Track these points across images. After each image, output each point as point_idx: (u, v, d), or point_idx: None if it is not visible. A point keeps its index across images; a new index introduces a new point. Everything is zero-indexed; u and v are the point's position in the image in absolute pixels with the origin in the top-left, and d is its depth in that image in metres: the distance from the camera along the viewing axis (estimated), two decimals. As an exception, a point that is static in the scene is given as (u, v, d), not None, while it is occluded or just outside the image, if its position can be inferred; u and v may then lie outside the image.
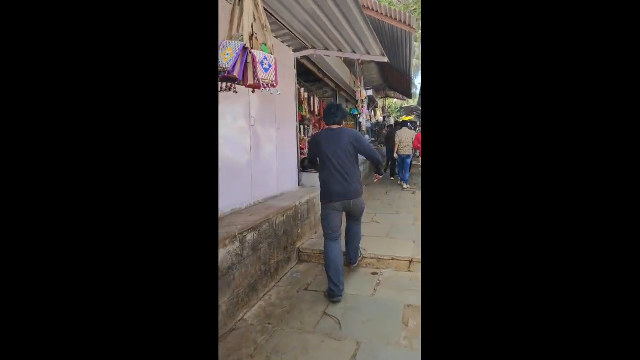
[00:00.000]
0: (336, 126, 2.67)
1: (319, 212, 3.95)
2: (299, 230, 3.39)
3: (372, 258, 3.13)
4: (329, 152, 2.54)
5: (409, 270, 3.02)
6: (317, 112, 6.21)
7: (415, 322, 2.22)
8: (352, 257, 3.02)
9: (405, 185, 6.93)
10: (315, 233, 3.83)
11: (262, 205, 3.15)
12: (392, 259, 3.08)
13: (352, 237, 2.91)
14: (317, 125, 6.59)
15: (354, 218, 2.81)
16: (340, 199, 2.54)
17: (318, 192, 4.05)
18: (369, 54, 4.02)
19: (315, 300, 2.55)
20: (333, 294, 2.47)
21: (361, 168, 6.36)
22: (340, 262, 2.54)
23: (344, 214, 2.74)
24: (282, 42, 3.88)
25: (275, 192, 3.66)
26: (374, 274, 3.00)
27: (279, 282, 2.89)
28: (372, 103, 11.35)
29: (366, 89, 9.06)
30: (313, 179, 4.32)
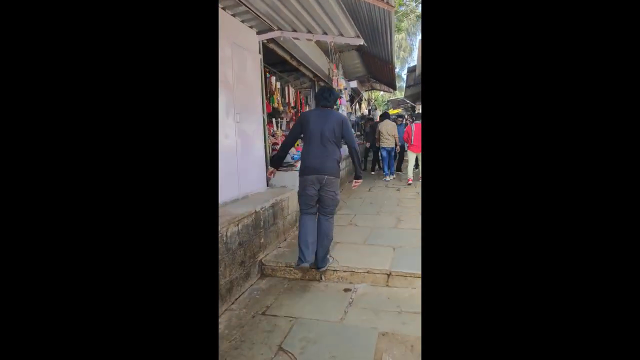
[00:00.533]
0: (327, 108, 2.75)
1: (289, 216, 3.50)
2: (261, 240, 2.92)
3: (345, 271, 2.69)
4: (315, 128, 2.61)
5: (387, 285, 2.59)
6: (292, 104, 5.72)
7: (390, 358, 1.80)
8: (319, 261, 2.68)
9: (390, 177, 6.86)
10: (285, 240, 3.37)
11: (215, 212, 2.67)
12: (368, 272, 2.65)
13: (321, 236, 2.67)
14: (295, 118, 6.10)
15: (324, 209, 2.69)
16: (314, 173, 2.59)
17: (288, 193, 3.59)
18: (342, 35, 3.55)
19: (272, 330, 2.10)
20: (299, 262, 2.58)
21: (343, 164, 5.93)
22: (312, 235, 2.62)
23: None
24: (242, 21, 3.37)
25: (236, 194, 3.19)
26: (346, 290, 2.56)
27: (232, 304, 2.43)
28: (356, 95, 10.90)
29: (350, 81, 8.62)
30: (284, 178, 3.85)
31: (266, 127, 3.89)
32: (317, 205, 2.68)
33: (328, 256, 2.75)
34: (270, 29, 3.62)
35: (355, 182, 2.87)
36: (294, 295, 2.53)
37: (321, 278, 2.73)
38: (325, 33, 3.57)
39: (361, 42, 3.53)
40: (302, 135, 2.72)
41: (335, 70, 5.59)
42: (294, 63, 5.13)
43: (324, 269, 2.70)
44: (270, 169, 2.90)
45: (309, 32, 3.59)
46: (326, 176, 2.58)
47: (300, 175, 2.66)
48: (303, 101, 6.35)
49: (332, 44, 3.73)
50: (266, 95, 4.57)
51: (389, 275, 2.60)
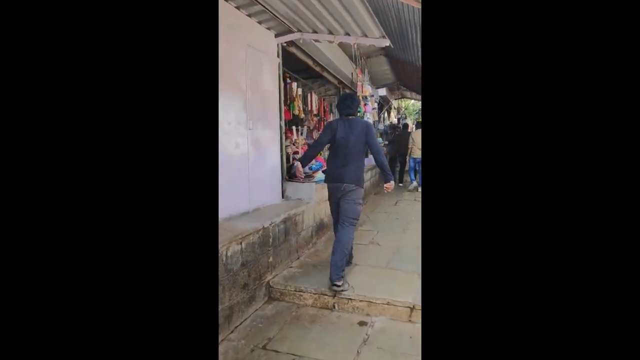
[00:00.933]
0: (351, 117, 2.69)
1: (304, 232, 3.21)
2: (270, 259, 2.64)
3: (361, 301, 2.34)
4: (340, 138, 2.58)
5: (410, 321, 2.21)
6: (315, 112, 5.47)
7: None
8: (332, 273, 2.41)
9: (415, 183, 6.65)
10: (297, 259, 3.07)
11: (219, 227, 2.43)
12: (388, 304, 2.29)
13: (336, 241, 2.54)
14: (318, 126, 5.85)
15: (343, 217, 2.59)
16: (335, 182, 2.60)
17: (304, 206, 3.31)
18: (366, 36, 3.25)
19: (271, 370, 1.80)
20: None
21: (368, 175, 5.59)
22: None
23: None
24: (259, 22, 3.17)
25: (246, 207, 2.94)
26: (361, 324, 2.21)
27: (232, 332, 2.16)
28: (385, 103, 10.53)
29: (378, 88, 8.28)
30: (300, 190, 3.58)
31: (283, 135, 3.65)
32: None
33: (344, 278, 2.42)
34: (290, 31, 3.40)
35: (387, 185, 2.75)
36: (301, 326, 2.22)
37: (334, 306, 2.40)
38: (348, 34, 3.30)
39: (387, 42, 3.21)
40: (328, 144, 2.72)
41: (360, 75, 5.28)
42: (318, 69, 4.89)
43: (338, 286, 2.37)
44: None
45: (331, 33, 3.33)
46: (345, 184, 2.55)
47: (326, 184, 2.73)
48: (327, 109, 6.09)
49: (356, 45, 3.44)
50: (286, 101, 4.36)
51: (412, 308, 2.23)
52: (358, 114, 3.41)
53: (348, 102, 2.70)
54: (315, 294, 2.46)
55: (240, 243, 2.27)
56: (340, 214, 2.60)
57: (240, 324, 2.25)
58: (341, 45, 5.19)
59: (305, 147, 5.02)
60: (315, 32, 3.38)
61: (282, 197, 3.57)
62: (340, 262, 2.43)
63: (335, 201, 2.63)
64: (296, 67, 4.91)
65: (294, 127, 4.67)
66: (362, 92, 5.21)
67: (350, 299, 2.37)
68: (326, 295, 2.43)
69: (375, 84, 8.01)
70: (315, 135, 5.74)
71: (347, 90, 6.33)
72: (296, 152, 4.62)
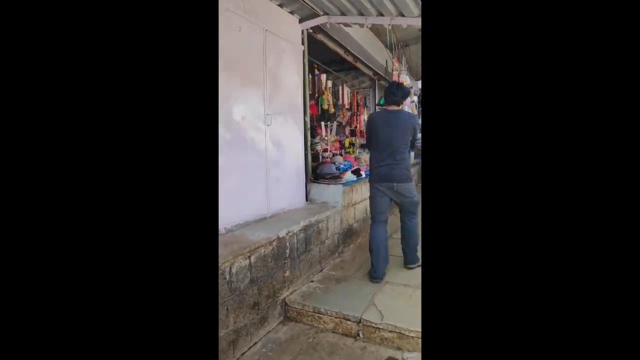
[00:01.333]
0: (394, 107, 2.52)
1: (328, 240, 2.86)
2: (286, 274, 2.32)
3: (391, 331, 1.95)
4: (382, 134, 2.44)
5: None
6: (347, 106, 5.07)
7: None
8: (408, 256, 2.63)
9: None
10: (320, 272, 2.73)
11: (229, 236, 2.15)
12: (424, 337, 1.87)
13: (407, 234, 2.61)
14: (350, 121, 5.45)
15: (404, 211, 2.59)
16: (383, 181, 2.49)
17: (328, 212, 2.96)
18: (403, 15, 2.80)
19: (275, 419, 1.47)
20: (372, 277, 2.50)
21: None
22: (382, 246, 2.50)
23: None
24: (279, 5, 2.84)
25: (264, 212, 2.65)
26: (390, 361, 1.82)
27: (237, 361, 1.86)
28: (426, 97, 9.83)
29: (418, 80, 7.67)
30: (325, 192, 3.23)
31: (308, 132, 3.31)
32: (389, 212, 2.63)
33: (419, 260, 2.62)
34: (315, 15, 3.03)
35: None
36: (317, 357, 1.87)
37: (358, 334, 2.03)
38: (381, 14, 2.87)
39: (428, 22, 2.75)
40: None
41: (397, 64, 4.79)
42: (350, 59, 4.47)
43: (413, 266, 2.63)
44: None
45: (361, 14, 2.91)
46: (395, 184, 2.46)
47: (370, 182, 2.59)
48: (361, 102, 5.66)
49: (391, 27, 3.00)
50: (313, 95, 4.02)
51: (455, 347, 1.79)
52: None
53: (393, 89, 2.51)
54: (337, 317, 2.10)
55: (249, 257, 1.96)
56: (401, 211, 2.60)
57: (248, 349, 1.95)
58: (375, 31, 4.74)
59: (337, 145, 4.67)
60: (343, 14, 2.99)
61: (306, 200, 3.24)
62: (414, 250, 2.59)
63: (382, 199, 2.52)
64: (327, 58, 4.55)
65: (322, 123, 4.31)
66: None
67: (377, 327, 1.98)
68: (349, 320, 2.06)
69: (415, 75, 7.41)
70: (347, 132, 5.35)
71: (383, 82, 5.85)
72: (325, 150, 4.27)
